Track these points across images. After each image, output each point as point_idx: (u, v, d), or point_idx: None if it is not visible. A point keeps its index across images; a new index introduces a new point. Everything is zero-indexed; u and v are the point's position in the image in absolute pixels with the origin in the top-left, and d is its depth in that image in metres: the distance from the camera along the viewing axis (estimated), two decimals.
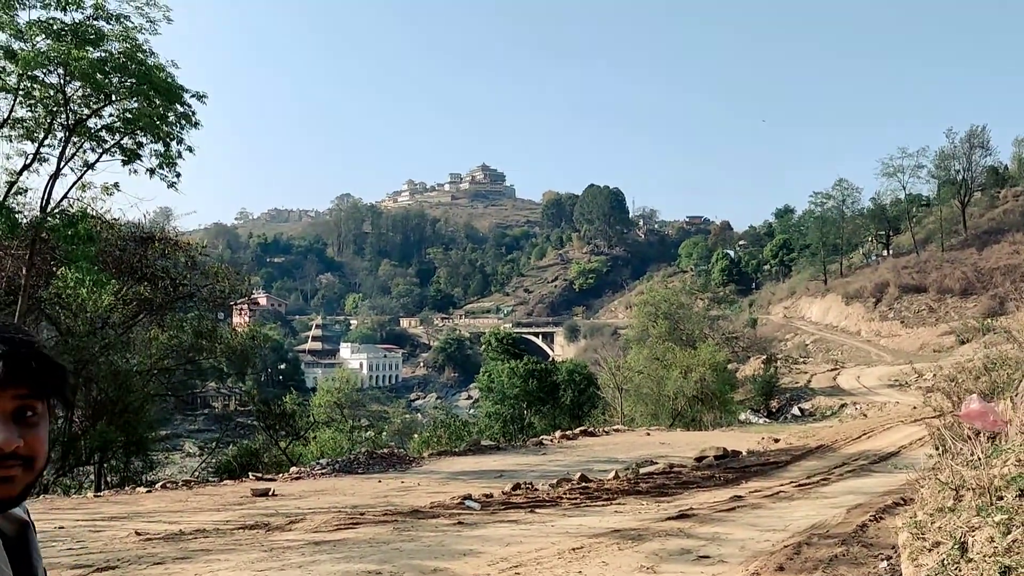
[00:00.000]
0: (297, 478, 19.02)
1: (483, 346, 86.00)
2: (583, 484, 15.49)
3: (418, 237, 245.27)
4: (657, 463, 19.90)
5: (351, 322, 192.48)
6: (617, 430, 34.51)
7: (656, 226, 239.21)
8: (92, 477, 24.31)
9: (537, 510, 12.55)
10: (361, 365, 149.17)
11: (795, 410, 53.93)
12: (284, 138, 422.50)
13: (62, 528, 11.53)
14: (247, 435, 39.92)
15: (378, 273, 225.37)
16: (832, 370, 75.20)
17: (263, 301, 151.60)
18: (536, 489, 15.26)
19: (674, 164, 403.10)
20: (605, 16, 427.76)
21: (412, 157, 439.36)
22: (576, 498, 13.97)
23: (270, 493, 16.10)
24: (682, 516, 11.47)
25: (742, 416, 51.37)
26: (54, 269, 22.18)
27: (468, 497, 13.61)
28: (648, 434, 32.03)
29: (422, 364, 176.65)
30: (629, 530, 10.33)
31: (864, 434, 25.13)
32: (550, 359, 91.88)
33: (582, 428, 32.51)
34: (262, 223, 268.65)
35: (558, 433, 30.35)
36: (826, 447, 22.73)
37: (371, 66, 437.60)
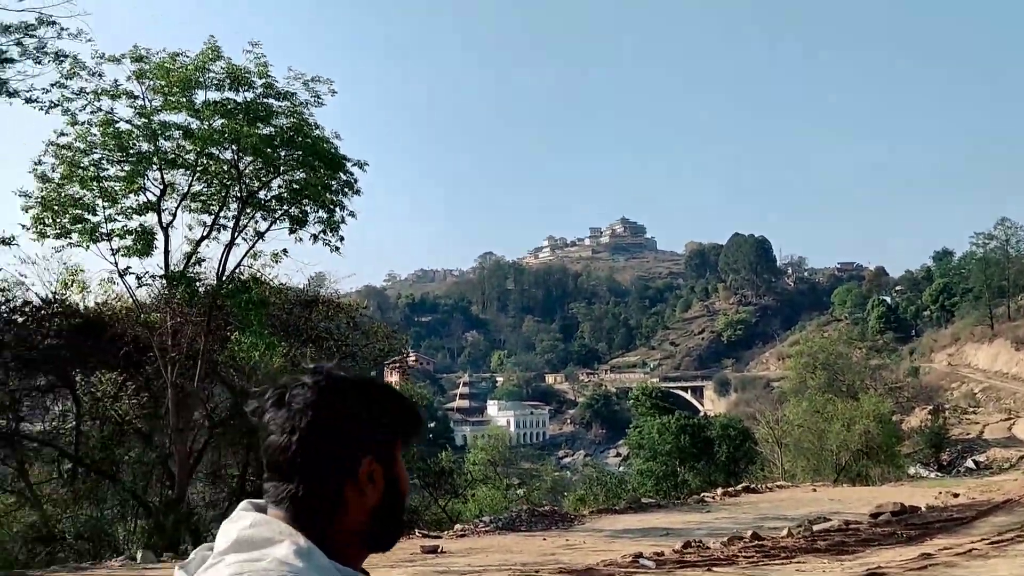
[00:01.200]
0: (462, 535, 19.15)
1: (631, 402, 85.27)
2: (757, 542, 14.94)
3: (560, 292, 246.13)
4: (831, 520, 19.03)
5: (497, 379, 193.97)
6: (780, 486, 33.22)
7: (805, 274, 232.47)
8: None
9: (714, 568, 12.15)
10: (508, 422, 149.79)
11: (969, 463, 50.74)
12: (427, 202, 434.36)
13: None
14: None
15: (522, 329, 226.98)
16: (1006, 419, 70.67)
17: (413, 360, 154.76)
18: (708, 548, 14.82)
19: (820, 212, 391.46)
20: (737, 58, 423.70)
21: (551, 213, 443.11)
22: (752, 556, 13.47)
23: (438, 550, 16.23)
24: None
25: (911, 470, 48.66)
26: (228, 334, 23.30)
27: (640, 556, 13.32)
28: (814, 490, 30.70)
29: (569, 421, 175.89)
30: None
31: None
32: (701, 414, 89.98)
33: (744, 484, 31.53)
34: (409, 284, 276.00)
35: (719, 490, 29.53)
36: (1013, 502, 21.22)
37: (506, 127, 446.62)
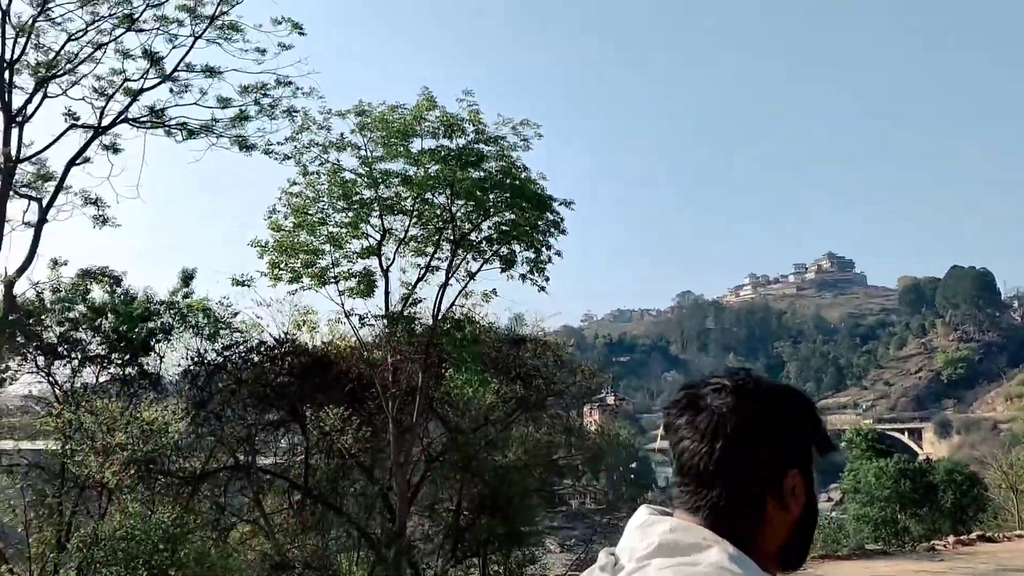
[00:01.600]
0: None
1: (845, 444, 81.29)
2: None
3: (763, 331, 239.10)
4: None
5: None
6: (1020, 535, 30.58)
7: None
8: (474, 570, 25.70)
9: None
10: None
11: None
12: (622, 241, 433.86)
13: None
14: (609, 534, 40.13)
15: (724, 369, 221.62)
16: None
17: (611, 400, 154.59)
18: None
19: None
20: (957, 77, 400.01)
21: (751, 250, 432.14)
22: None
23: None
24: None
25: None
26: (443, 371, 24.10)
27: None
28: None
29: None
30: None
31: None
32: (920, 458, 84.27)
33: (979, 533, 29.26)
34: (606, 324, 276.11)
35: (951, 538, 27.55)
36: None
37: (704, 164, 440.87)
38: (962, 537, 27.50)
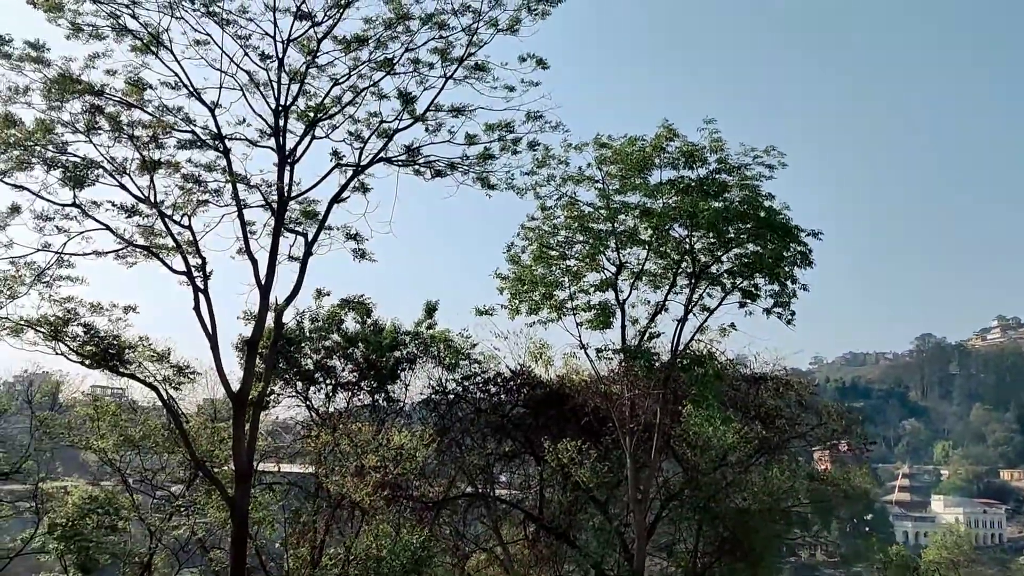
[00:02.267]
0: None
1: None
2: None
3: (1015, 378, 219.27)
4: None
5: (941, 472, 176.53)
6: None
7: None
8: None
9: None
10: (957, 520, 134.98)
11: None
12: (855, 278, 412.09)
13: None
14: None
15: (969, 418, 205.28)
16: None
17: (845, 447, 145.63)
18: None
19: None
20: None
21: (1000, 290, 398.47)
22: None
23: None
24: None
25: None
26: (680, 409, 23.59)
27: None
28: None
29: None
30: None
31: None
32: None
33: None
34: (837, 367, 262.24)
35: None
36: None
37: (944, 194, 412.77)
38: None
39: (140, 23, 17.66)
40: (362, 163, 20.07)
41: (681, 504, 24.26)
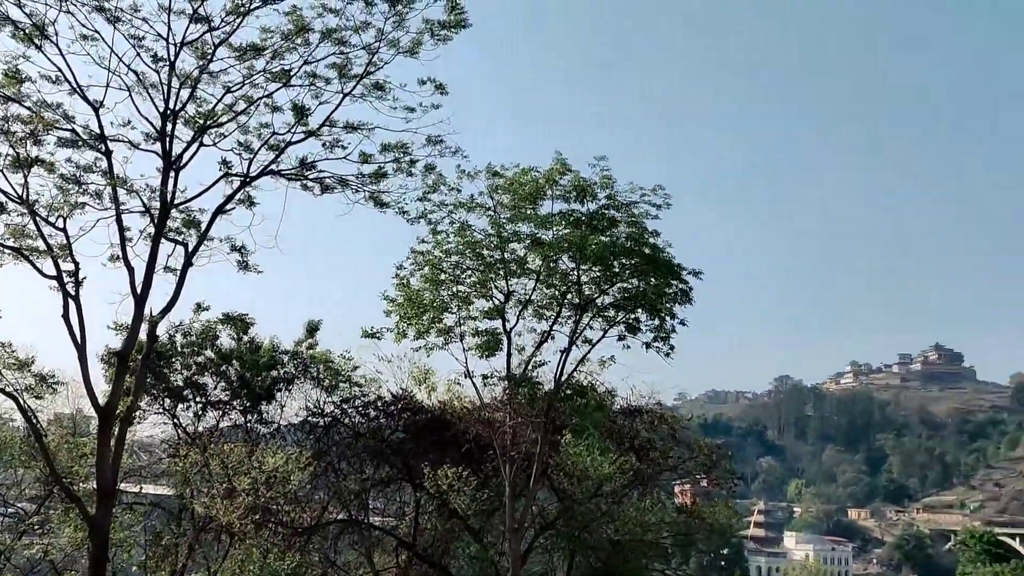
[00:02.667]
0: None
1: (957, 546, 77.37)
2: None
3: (865, 421, 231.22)
4: None
5: (794, 509, 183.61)
6: None
7: None
8: None
9: None
10: (807, 557, 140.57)
11: None
12: (717, 320, 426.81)
13: None
14: None
15: (822, 459, 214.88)
16: None
17: (711, 481, 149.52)
18: None
19: None
20: None
21: (854, 338, 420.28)
22: None
23: None
24: None
25: None
26: (560, 438, 23.71)
27: None
28: None
29: (875, 561, 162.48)
30: None
31: None
32: None
33: None
34: (700, 404, 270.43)
35: None
36: None
37: (805, 241, 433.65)
38: None
39: (25, 12, 16.78)
40: (251, 174, 19.52)
41: (556, 533, 24.32)
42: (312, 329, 26.35)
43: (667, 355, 23.24)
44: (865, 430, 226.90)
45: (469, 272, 22.94)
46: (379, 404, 25.56)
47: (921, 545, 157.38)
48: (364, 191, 21.11)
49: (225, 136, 19.76)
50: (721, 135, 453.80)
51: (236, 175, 19.38)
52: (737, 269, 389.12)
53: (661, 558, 30.75)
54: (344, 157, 19.93)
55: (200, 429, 24.70)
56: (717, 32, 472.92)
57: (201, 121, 18.74)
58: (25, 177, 17.31)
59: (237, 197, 19.85)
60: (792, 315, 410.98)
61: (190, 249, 19.21)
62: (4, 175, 17.25)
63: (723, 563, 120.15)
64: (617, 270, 22.78)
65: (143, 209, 18.82)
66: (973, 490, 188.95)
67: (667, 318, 23.06)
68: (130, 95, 17.98)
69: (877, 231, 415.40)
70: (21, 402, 17.68)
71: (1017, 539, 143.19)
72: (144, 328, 18.68)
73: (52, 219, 17.71)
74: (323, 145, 19.89)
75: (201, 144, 19.01)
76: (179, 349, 24.75)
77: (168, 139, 18.39)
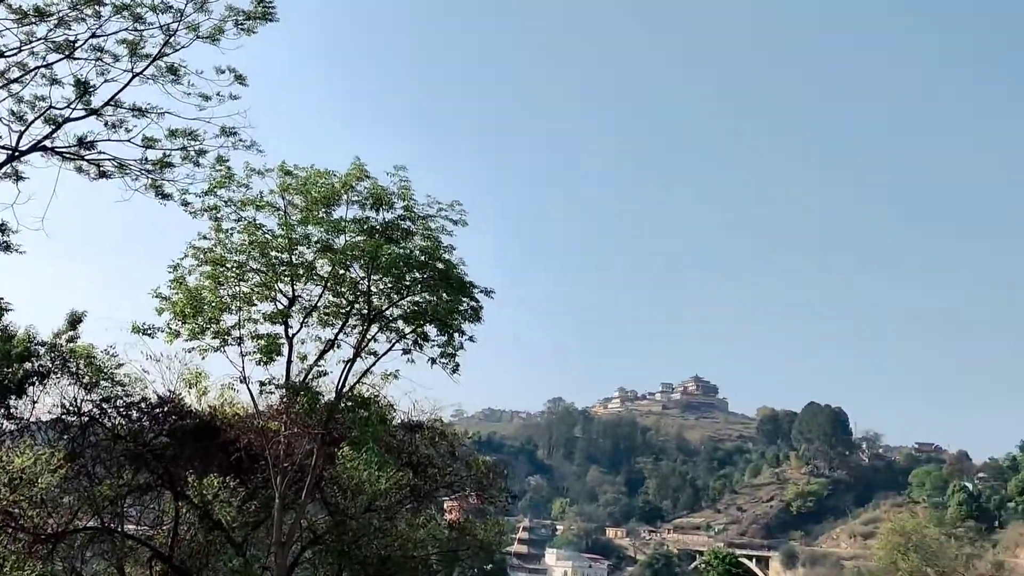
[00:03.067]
0: None
1: (703, 565, 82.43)
2: None
3: (628, 445, 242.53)
4: None
5: (557, 527, 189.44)
6: None
7: (881, 450, 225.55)
8: None
9: None
10: (566, 573, 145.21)
11: None
12: (495, 341, 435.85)
13: None
14: None
15: (586, 479, 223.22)
16: None
17: (485, 499, 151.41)
18: None
19: (900, 385, 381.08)
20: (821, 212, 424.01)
21: (624, 365, 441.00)
22: None
23: None
24: None
25: None
26: (336, 451, 23.15)
27: None
28: None
29: None
30: None
31: None
32: None
33: None
34: (476, 421, 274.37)
35: None
36: None
37: (582, 271, 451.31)
38: None
39: None
40: (20, 148, 17.85)
41: (324, 548, 23.67)
42: (74, 320, 24.35)
43: (453, 372, 23.30)
44: (627, 453, 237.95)
45: (253, 273, 22.01)
46: (143, 405, 23.86)
47: (669, 564, 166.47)
48: (146, 178, 19.85)
49: None
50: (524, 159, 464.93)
51: (3, 148, 17.67)
52: (519, 290, 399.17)
53: (426, 574, 30.68)
54: (128, 140, 18.59)
55: None
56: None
57: None
58: None
59: (3, 171, 18.16)
60: (569, 339, 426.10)
61: None
62: None
63: None
64: (409, 283, 22.57)
65: None
66: (719, 513, 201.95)
67: (456, 335, 23.14)
68: None
69: (646, 265, 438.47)
70: None
71: (753, 560, 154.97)
72: None
73: None
74: (105, 125, 18.48)
75: None
76: None
77: None
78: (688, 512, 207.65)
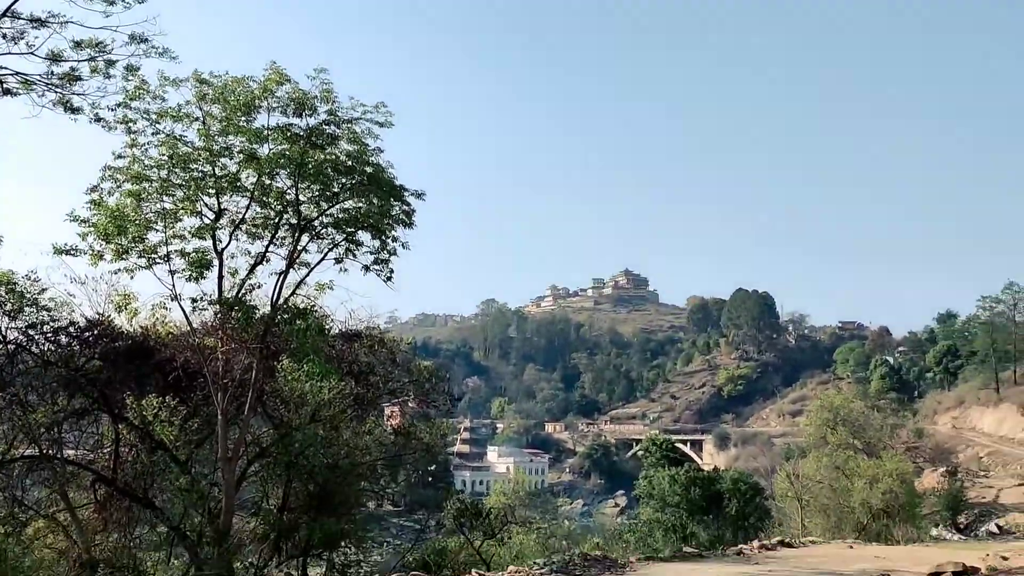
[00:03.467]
0: None
1: (642, 452, 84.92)
2: None
3: (562, 342, 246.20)
4: None
5: (498, 426, 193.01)
6: (813, 542, 32.61)
7: (807, 331, 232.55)
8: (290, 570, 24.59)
9: None
10: (508, 469, 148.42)
11: (992, 527, 49.88)
12: (426, 245, 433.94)
13: None
14: (404, 535, 40.13)
15: (523, 378, 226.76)
16: (1020, 485, 69.84)
17: (413, 404, 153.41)
18: None
19: (823, 266, 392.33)
20: (746, 114, 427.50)
21: (555, 263, 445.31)
22: None
23: None
24: None
25: (933, 532, 47.84)
26: (276, 364, 22.90)
27: None
28: (851, 547, 30.07)
29: (568, 470, 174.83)
30: None
31: None
32: (698, 467, 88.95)
33: (779, 539, 30.91)
34: (411, 327, 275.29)
35: (756, 543, 28.98)
36: None
37: (510, 172, 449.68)
38: (765, 543, 28.93)
39: None
40: None
41: (274, 461, 23.63)
42: None
43: (387, 279, 23.11)
44: (562, 350, 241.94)
45: (176, 188, 21.27)
46: (72, 330, 23.23)
47: (607, 453, 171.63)
48: (54, 93, 18.82)
49: None
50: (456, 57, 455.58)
51: None
52: (450, 191, 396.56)
53: (373, 479, 31.04)
54: (32, 52, 17.51)
55: None
56: None
57: None
58: None
59: None
60: (498, 241, 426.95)
61: None
62: None
63: (430, 479, 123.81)
64: (337, 190, 22.12)
65: None
66: (653, 402, 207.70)
67: (389, 240, 22.85)
68: None
69: (573, 162, 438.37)
70: None
71: (688, 444, 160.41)
72: None
73: None
74: (3, 37, 17.36)
75: None
76: None
77: None
78: (624, 403, 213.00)
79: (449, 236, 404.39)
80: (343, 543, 24.24)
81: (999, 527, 49.74)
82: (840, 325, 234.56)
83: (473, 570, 19.69)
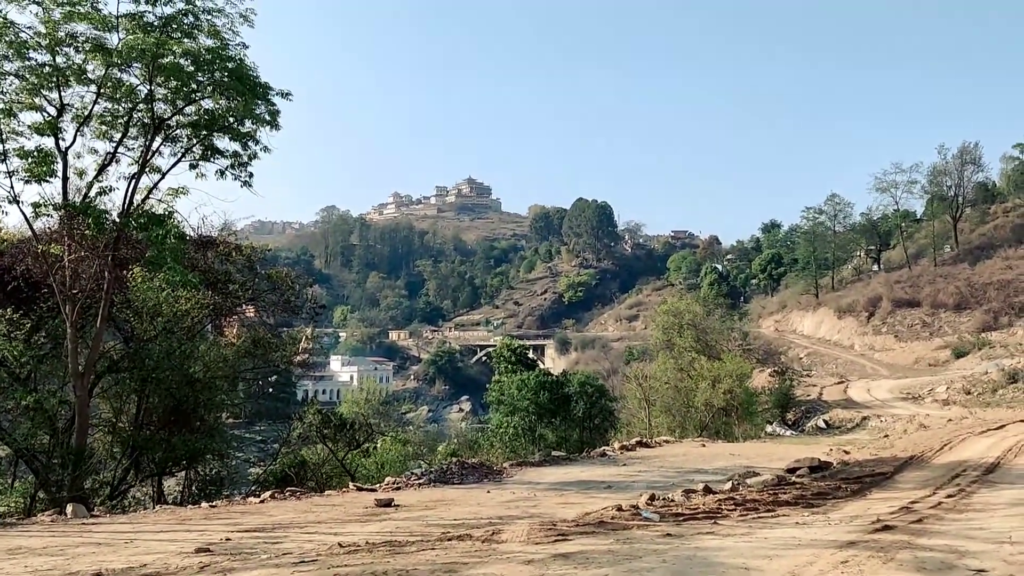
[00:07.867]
0: (397, 488, 18.41)
1: (495, 357, 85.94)
2: (731, 495, 14.99)
3: (406, 250, 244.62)
4: (761, 474, 19.37)
5: (340, 334, 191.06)
6: (667, 441, 34.02)
7: (642, 240, 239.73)
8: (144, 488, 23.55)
9: (720, 522, 12.01)
10: (352, 378, 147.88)
11: (819, 422, 53.53)
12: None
13: (228, 540, 10.92)
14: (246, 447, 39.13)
15: (366, 286, 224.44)
16: (840, 383, 75.12)
17: (251, 312, 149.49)
18: (673, 500, 14.72)
19: (659, 176, 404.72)
20: (593, 20, 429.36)
21: (397, 170, 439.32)
22: (734, 509, 13.43)
23: (392, 503, 15.46)
24: (886, 528, 10.95)
25: (768, 428, 50.97)
26: (126, 273, 21.39)
27: (637, 508, 13.07)
28: (703, 445, 31.52)
29: (412, 377, 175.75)
30: (858, 543, 9.79)
31: (945, 445, 24.73)
32: (546, 372, 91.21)
33: (637, 440, 32.05)
34: (246, 235, 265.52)
35: (616, 444, 29.93)
36: (917, 458, 22.29)
37: (351, 75, 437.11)
38: (624, 444, 29.88)
39: None
40: None
41: (128, 376, 22.24)
42: None
43: (246, 184, 21.83)
44: (406, 258, 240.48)
45: (12, 78, 19.14)
46: None
47: (452, 359, 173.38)
48: None
49: None
50: None
51: None
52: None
53: (210, 391, 29.96)
54: None
55: None
56: None
57: None
58: None
59: None
60: (340, 145, 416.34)
61: None
62: None
63: (271, 389, 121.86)
64: (195, 87, 20.47)
65: None
66: (497, 309, 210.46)
67: (251, 143, 21.48)
68: None
69: (419, 64, 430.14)
70: None
71: (531, 349, 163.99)
72: None
73: None
74: None
75: None
76: None
77: None
78: (468, 310, 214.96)
79: (287, 141, 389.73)
80: (208, 457, 23.32)
81: (826, 422, 53.39)
82: (673, 234, 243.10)
83: (351, 483, 19.31)
